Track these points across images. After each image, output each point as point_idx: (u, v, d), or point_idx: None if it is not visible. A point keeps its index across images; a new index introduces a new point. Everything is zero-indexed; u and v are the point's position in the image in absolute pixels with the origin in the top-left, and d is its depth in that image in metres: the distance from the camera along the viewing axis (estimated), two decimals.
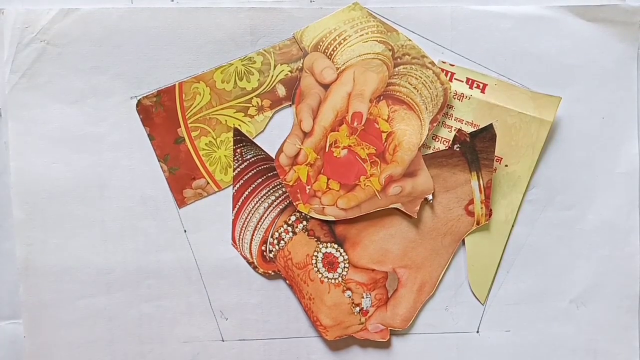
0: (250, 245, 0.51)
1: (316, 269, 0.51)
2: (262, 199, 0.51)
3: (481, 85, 0.50)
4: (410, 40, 0.50)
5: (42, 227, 0.50)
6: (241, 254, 0.51)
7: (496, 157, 0.50)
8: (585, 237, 0.52)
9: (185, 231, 0.51)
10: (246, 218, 0.51)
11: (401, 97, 0.49)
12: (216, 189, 0.51)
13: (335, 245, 0.51)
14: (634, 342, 0.52)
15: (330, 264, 0.51)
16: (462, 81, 0.51)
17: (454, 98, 0.50)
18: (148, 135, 0.50)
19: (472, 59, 0.51)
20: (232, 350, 0.51)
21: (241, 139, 0.50)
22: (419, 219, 0.51)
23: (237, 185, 0.51)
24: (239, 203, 0.51)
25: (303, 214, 0.50)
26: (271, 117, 0.51)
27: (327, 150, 0.50)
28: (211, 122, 0.50)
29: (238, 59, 0.50)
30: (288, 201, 0.51)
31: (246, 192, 0.51)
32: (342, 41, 0.49)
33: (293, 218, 0.51)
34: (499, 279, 0.52)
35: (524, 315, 0.52)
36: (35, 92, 0.50)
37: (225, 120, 0.50)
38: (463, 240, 0.51)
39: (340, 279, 0.51)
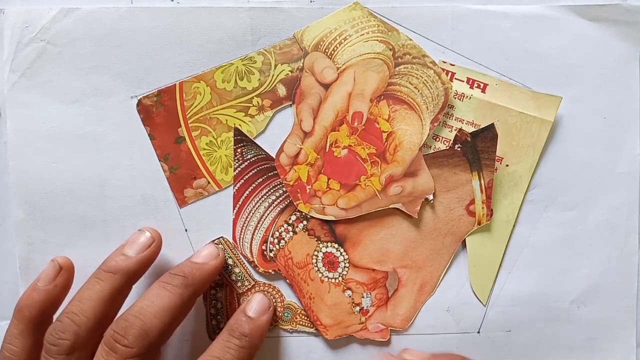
0: (251, 245, 0.51)
1: (316, 268, 0.51)
2: (263, 199, 0.51)
3: (482, 85, 0.50)
4: (411, 39, 0.49)
5: (42, 226, 0.50)
6: (242, 253, 0.51)
7: (497, 157, 0.50)
8: (587, 238, 0.52)
9: (186, 230, 0.51)
10: (247, 217, 0.51)
11: (402, 96, 0.49)
12: (217, 189, 0.51)
13: (336, 245, 0.51)
14: (631, 341, 0.53)
15: (331, 263, 0.51)
16: (463, 81, 0.50)
17: (455, 98, 0.50)
18: (148, 134, 0.50)
19: (473, 58, 0.51)
20: None
21: (242, 139, 0.50)
22: (420, 219, 0.51)
23: (238, 185, 0.51)
24: (240, 202, 0.51)
25: (303, 214, 0.50)
26: (272, 117, 0.51)
27: (327, 150, 0.50)
28: (212, 122, 0.50)
29: (238, 58, 0.50)
30: (288, 201, 0.51)
31: (247, 192, 0.51)
32: (343, 41, 0.49)
33: (293, 217, 0.51)
34: (501, 280, 0.52)
35: (525, 316, 0.52)
36: (35, 92, 0.50)
37: (226, 120, 0.50)
38: (464, 241, 0.51)
39: (340, 278, 0.51)
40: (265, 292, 0.51)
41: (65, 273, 0.47)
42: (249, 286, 0.51)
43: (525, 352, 0.52)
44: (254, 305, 0.47)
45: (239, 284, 0.51)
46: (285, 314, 0.51)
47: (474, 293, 0.52)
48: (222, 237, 0.51)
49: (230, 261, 0.51)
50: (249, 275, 0.51)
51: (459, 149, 0.50)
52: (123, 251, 0.46)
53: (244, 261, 0.51)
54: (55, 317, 0.46)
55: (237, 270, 0.51)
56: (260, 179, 0.51)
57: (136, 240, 0.47)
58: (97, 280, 0.44)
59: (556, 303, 0.52)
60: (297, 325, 0.52)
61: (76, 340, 0.42)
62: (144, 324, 0.42)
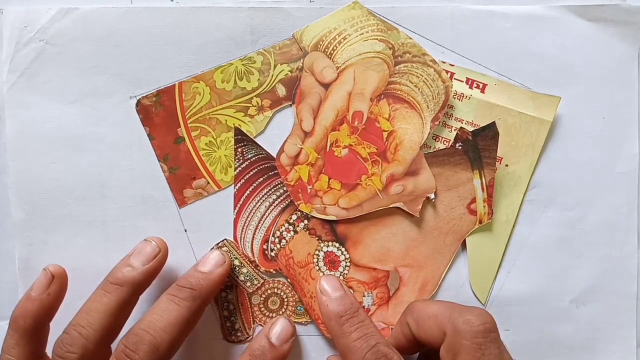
0: (252, 244, 0.51)
1: (317, 267, 0.51)
2: (264, 198, 0.51)
3: (481, 85, 0.50)
4: (410, 38, 0.50)
5: (42, 227, 0.50)
6: (243, 253, 0.51)
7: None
8: (586, 237, 0.52)
9: (185, 231, 0.51)
10: (247, 217, 0.51)
11: (402, 95, 0.49)
12: (216, 189, 0.51)
13: (337, 244, 0.51)
14: (631, 341, 0.53)
15: (332, 262, 0.51)
16: (462, 81, 0.50)
17: (454, 98, 0.50)
18: (148, 135, 0.50)
19: (472, 58, 0.51)
20: (233, 347, 0.51)
21: (242, 138, 0.50)
22: (421, 218, 0.51)
23: (239, 185, 0.50)
24: (241, 202, 0.51)
25: (304, 213, 0.50)
26: (271, 117, 0.51)
27: (328, 149, 0.50)
28: (211, 122, 0.50)
29: (238, 58, 0.50)
30: (289, 200, 0.51)
31: (247, 191, 0.51)
32: (342, 40, 0.49)
33: (294, 217, 0.51)
34: (500, 280, 0.52)
35: (524, 315, 0.52)
36: (34, 92, 0.49)
37: (225, 120, 0.50)
38: (464, 241, 0.51)
39: (341, 277, 0.51)
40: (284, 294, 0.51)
41: (57, 281, 0.47)
42: (259, 284, 0.51)
43: (525, 351, 0.52)
44: (278, 331, 0.47)
45: (248, 284, 0.51)
46: (298, 307, 0.51)
47: (474, 293, 0.52)
48: (225, 239, 0.51)
49: (236, 262, 0.51)
50: (257, 274, 0.51)
51: (460, 148, 0.50)
52: (129, 262, 0.46)
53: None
54: (51, 324, 0.47)
55: (244, 270, 0.51)
56: (261, 179, 0.50)
57: (142, 250, 0.47)
58: (104, 292, 0.45)
59: (555, 302, 0.52)
60: (310, 317, 0.52)
61: (84, 354, 0.43)
62: (153, 339, 0.42)
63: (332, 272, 0.51)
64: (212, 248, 0.50)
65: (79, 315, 0.44)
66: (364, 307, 0.51)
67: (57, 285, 0.47)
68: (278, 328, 0.47)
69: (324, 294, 0.46)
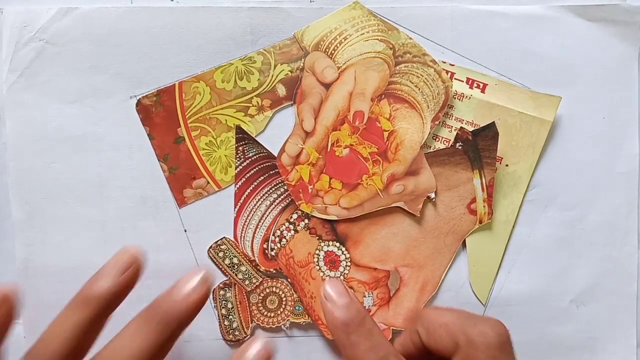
0: (252, 244, 0.51)
1: (318, 267, 0.51)
2: (264, 197, 0.51)
3: (481, 85, 0.50)
4: (411, 38, 0.50)
5: (42, 227, 0.50)
6: (243, 252, 0.51)
7: (497, 157, 0.50)
8: (586, 237, 0.52)
9: (185, 231, 0.51)
10: (248, 216, 0.51)
11: (403, 95, 0.49)
12: (216, 189, 0.51)
13: (337, 244, 0.51)
14: (631, 341, 0.53)
15: (332, 262, 0.51)
16: (462, 81, 0.51)
17: (454, 98, 0.50)
18: (148, 135, 0.50)
19: (472, 58, 0.51)
20: (234, 348, 0.51)
21: (243, 137, 0.50)
22: (421, 218, 0.51)
23: (239, 183, 0.50)
24: (241, 201, 0.51)
25: (305, 212, 0.50)
26: (271, 117, 0.51)
27: (329, 149, 0.50)
28: (211, 122, 0.50)
29: (238, 58, 0.50)
30: (290, 199, 0.51)
31: (248, 190, 0.50)
32: (343, 40, 0.49)
33: (295, 216, 0.51)
34: (500, 280, 0.52)
35: (524, 315, 0.52)
36: (33, 92, 0.49)
37: (226, 120, 0.50)
38: (464, 241, 0.51)
39: (342, 277, 0.51)
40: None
41: (4, 305, 0.41)
42: (257, 283, 0.51)
43: (525, 351, 0.52)
44: (253, 352, 0.41)
45: (247, 282, 0.51)
46: (297, 307, 0.51)
47: (474, 293, 0.52)
48: (224, 237, 0.51)
49: (235, 260, 0.51)
50: (256, 272, 0.51)
51: (460, 147, 0.50)
52: (97, 278, 0.42)
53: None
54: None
55: (243, 268, 0.51)
56: (262, 177, 0.50)
57: (115, 264, 0.42)
58: (69, 312, 0.40)
59: (555, 302, 0.52)
60: (310, 318, 0.51)
61: None
62: None
63: (332, 272, 0.51)
64: (192, 272, 0.44)
65: (42, 336, 0.40)
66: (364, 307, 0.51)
67: (3, 311, 0.41)
68: (254, 350, 0.41)
69: (328, 300, 0.44)
